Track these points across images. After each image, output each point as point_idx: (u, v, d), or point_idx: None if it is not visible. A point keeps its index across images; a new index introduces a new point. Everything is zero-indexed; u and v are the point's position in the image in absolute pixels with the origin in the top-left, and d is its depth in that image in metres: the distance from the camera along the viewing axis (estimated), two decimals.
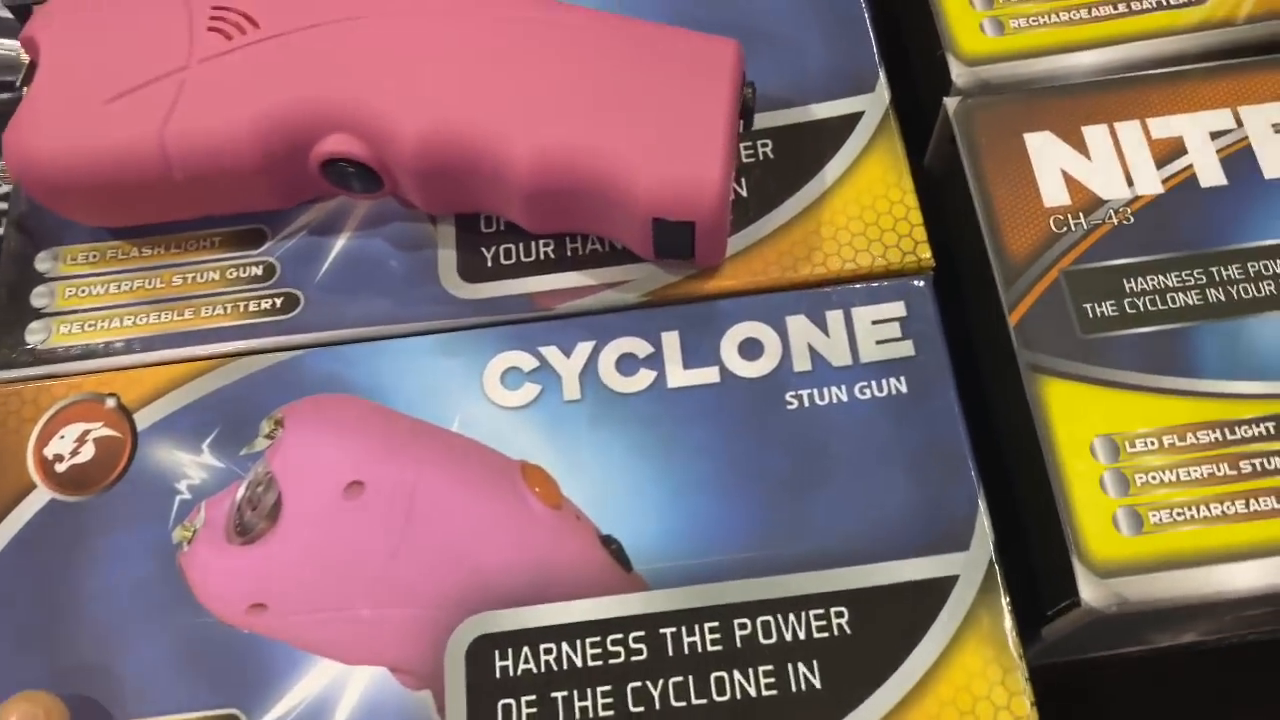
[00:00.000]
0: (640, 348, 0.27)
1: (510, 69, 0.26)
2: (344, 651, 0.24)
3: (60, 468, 0.26)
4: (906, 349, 0.26)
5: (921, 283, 0.27)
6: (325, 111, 0.26)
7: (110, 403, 0.27)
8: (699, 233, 0.25)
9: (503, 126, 0.25)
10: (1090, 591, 0.22)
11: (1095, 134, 0.27)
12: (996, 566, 0.24)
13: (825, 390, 0.26)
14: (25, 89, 0.28)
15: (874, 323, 0.26)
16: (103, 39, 0.27)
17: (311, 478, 0.26)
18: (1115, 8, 0.29)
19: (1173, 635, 0.27)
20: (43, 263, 0.29)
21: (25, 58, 0.29)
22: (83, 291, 0.28)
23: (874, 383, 0.26)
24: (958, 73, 0.28)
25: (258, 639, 0.24)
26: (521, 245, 0.28)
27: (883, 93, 0.29)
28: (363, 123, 0.26)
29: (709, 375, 0.26)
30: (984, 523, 0.24)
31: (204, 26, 0.27)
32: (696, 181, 0.24)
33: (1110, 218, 0.26)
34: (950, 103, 0.27)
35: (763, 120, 0.29)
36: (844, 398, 0.26)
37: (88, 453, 0.26)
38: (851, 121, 0.29)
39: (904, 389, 0.26)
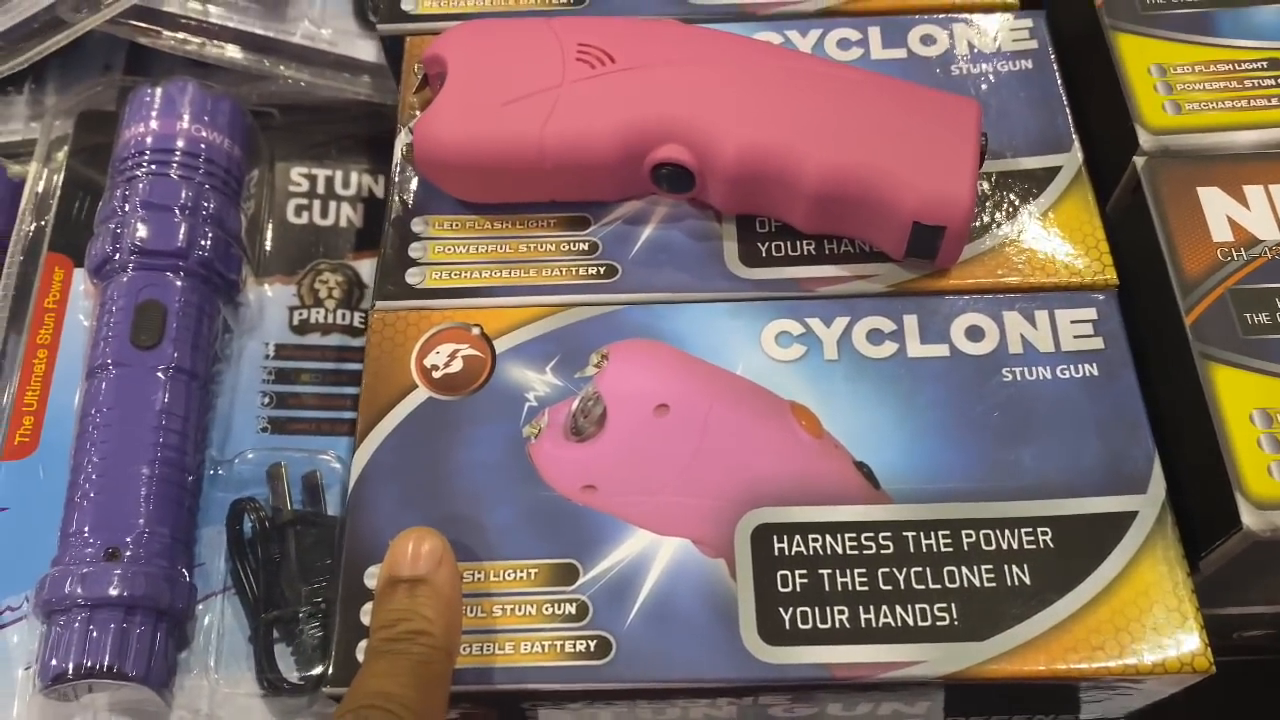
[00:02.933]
0: (886, 325, 0.34)
1: (806, 104, 0.34)
2: (655, 525, 0.31)
3: (436, 375, 0.34)
4: (1098, 343, 0.33)
5: (1105, 296, 0.34)
6: (666, 126, 0.34)
7: (475, 330, 0.34)
8: (947, 236, 0.33)
9: (801, 146, 0.33)
10: (1250, 518, 0.29)
11: (1254, 191, 0.34)
12: (1168, 506, 0.31)
13: (1033, 369, 0.33)
14: (417, 95, 0.37)
15: (1072, 322, 0.34)
16: (497, 60, 0.35)
17: (630, 399, 0.33)
18: (1269, 100, 0.36)
19: None
20: (416, 225, 0.37)
21: (420, 70, 0.38)
22: (448, 249, 0.36)
23: (1071, 366, 0.33)
24: (1145, 139, 0.36)
25: (589, 511, 0.32)
26: (789, 242, 0.36)
27: (1077, 153, 0.37)
28: (693, 136, 0.34)
29: (941, 350, 0.34)
30: (1159, 472, 0.31)
31: (573, 57, 0.35)
32: (952, 195, 0.32)
33: (1265, 253, 0.33)
34: (1139, 160, 0.35)
35: (986, 166, 0.37)
36: (1048, 375, 0.33)
37: (457, 366, 0.34)
38: (1053, 173, 0.37)
39: (1095, 372, 0.33)
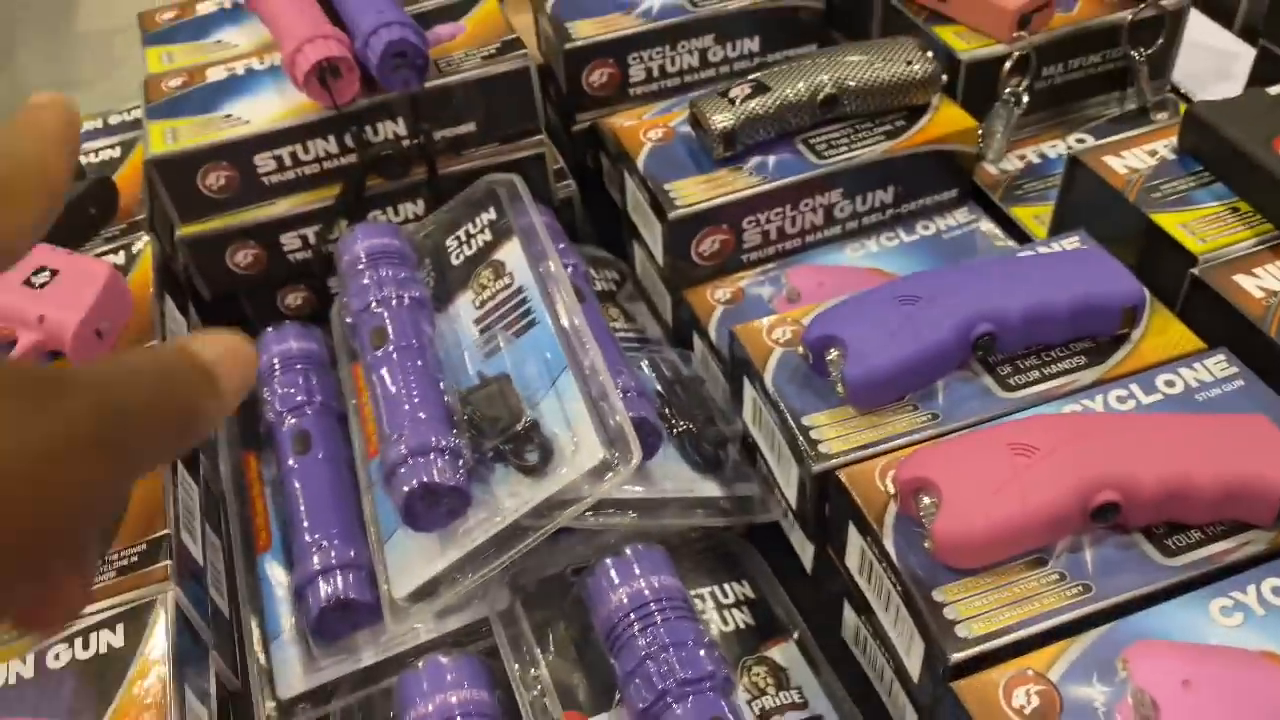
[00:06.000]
0: None
1: (1176, 442, 0.51)
2: None
3: (1026, 712, 0.45)
4: None
5: None
6: (1101, 480, 0.50)
7: (1029, 672, 0.46)
8: None
9: (1194, 470, 0.50)
10: None
11: None
12: None
13: None
14: (924, 503, 0.51)
15: None
16: (965, 469, 0.51)
17: (1162, 684, 0.46)
18: None
19: None
20: (937, 595, 0.50)
21: (895, 489, 0.51)
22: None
23: None
24: None
25: None
26: (1184, 533, 0.52)
27: None
28: (1123, 482, 0.50)
29: None
30: None
31: (1010, 455, 0.51)
32: None
33: None
34: None
35: None
36: None
37: (1034, 702, 0.45)
38: None
39: None
